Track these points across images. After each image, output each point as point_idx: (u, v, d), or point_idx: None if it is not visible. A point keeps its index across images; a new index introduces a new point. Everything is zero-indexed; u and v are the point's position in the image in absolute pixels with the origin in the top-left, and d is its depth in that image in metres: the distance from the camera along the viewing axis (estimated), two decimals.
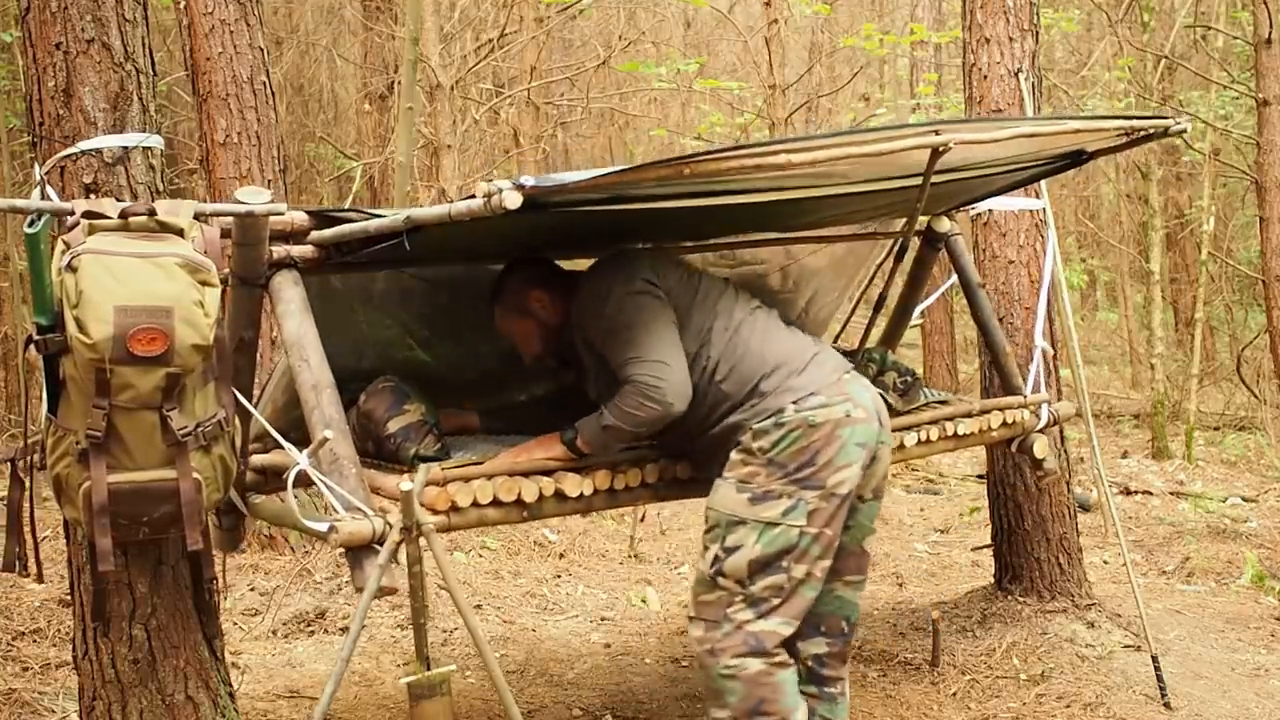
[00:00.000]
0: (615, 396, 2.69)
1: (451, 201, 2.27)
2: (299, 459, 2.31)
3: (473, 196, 2.14)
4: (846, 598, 2.97)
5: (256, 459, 3.07)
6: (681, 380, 2.68)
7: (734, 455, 2.76)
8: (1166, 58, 9.72)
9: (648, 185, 2.39)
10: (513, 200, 2.06)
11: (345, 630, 4.53)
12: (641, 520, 6.37)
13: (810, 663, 2.95)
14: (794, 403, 2.74)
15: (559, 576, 5.67)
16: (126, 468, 2.24)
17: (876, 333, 4.09)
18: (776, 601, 2.70)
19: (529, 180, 2.09)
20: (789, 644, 2.79)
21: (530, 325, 2.94)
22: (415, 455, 2.83)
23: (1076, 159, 3.55)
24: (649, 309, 2.74)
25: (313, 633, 4.59)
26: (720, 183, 2.58)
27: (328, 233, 2.61)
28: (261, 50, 5.32)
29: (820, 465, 2.70)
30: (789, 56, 9.50)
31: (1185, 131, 3.30)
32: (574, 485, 2.76)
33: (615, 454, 2.85)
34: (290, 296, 2.59)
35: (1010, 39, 4.45)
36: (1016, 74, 4.43)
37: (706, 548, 2.76)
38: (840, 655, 3.00)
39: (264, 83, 5.30)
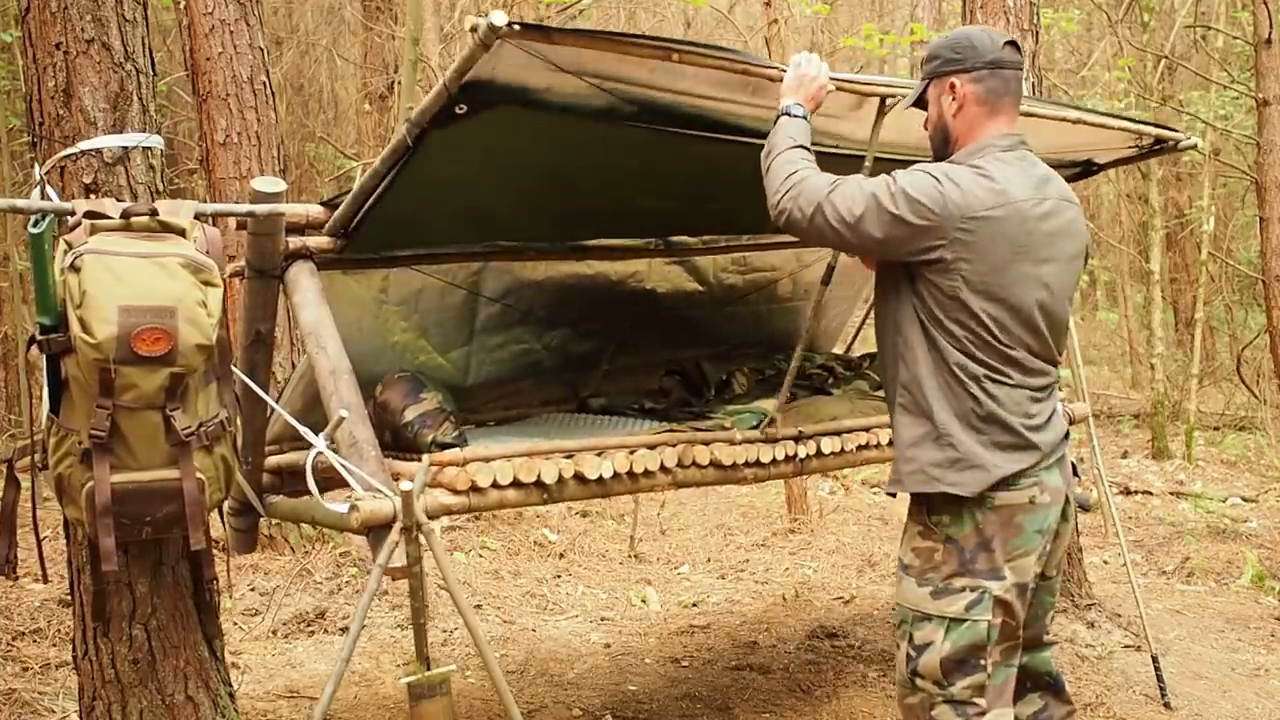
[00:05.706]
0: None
1: None
2: (317, 442, 2.31)
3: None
4: (1043, 657, 2.76)
5: (273, 460, 3.06)
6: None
7: (912, 523, 2.48)
8: (1166, 58, 9.72)
9: (639, 83, 2.40)
10: (499, 17, 2.01)
11: (345, 630, 4.53)
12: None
13: None
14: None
15: (559, 576, 5.67)
16: (130, 468, 2.24)
17: None
18: (982, 703, 2.40)
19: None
20: None
21: (937, 109, 2.47)
22: (433, 442, 2.80)
23: (1086, 170, 3.56)
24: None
25: (313, 633, 4.59)
26: (712, 109, 2.62)
27: (344, 208, 2.60)
28: (261, 50, 5.32)
29: (997, 552, 2.37)
30: (789, 56, 9.47)
31: (1195, 147, 3.29)
32: (593, 467, 2.72)
33: None
34: (306, 286, 2.59)
35: None
36: None
37: (898, 645, 2.49)
38: (1062, 697, 2.77)
39: (264, 83, 5.31)
